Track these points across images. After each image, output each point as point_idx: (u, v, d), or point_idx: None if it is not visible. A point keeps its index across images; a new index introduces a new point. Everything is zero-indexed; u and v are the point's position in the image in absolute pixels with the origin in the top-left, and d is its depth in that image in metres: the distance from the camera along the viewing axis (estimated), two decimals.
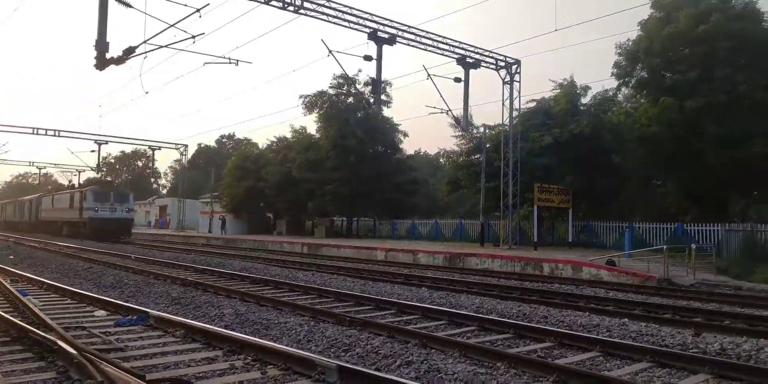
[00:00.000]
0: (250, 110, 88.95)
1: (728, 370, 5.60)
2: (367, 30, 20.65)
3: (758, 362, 6.05)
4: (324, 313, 8.51)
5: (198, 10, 15.51)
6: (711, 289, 13.02)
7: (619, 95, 29.12)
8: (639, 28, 24.85)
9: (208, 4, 15.57)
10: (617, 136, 25.84)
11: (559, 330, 7.39)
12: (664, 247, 14.52)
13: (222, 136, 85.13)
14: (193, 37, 16.07)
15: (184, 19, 15.68)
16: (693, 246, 14.66)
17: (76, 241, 31.28)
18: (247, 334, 6.89)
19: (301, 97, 36.72)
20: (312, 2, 19.31)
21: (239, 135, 79.01)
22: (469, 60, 23.59)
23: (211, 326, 7.18)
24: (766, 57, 21.58)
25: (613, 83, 26.74)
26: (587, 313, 9.26)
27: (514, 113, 25.07)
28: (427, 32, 22.31)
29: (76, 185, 45.85)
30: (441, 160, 46.52)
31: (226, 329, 7.15)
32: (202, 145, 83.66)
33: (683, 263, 14.93)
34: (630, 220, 25.06)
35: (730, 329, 7.93)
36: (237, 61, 19.66)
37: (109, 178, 62.38)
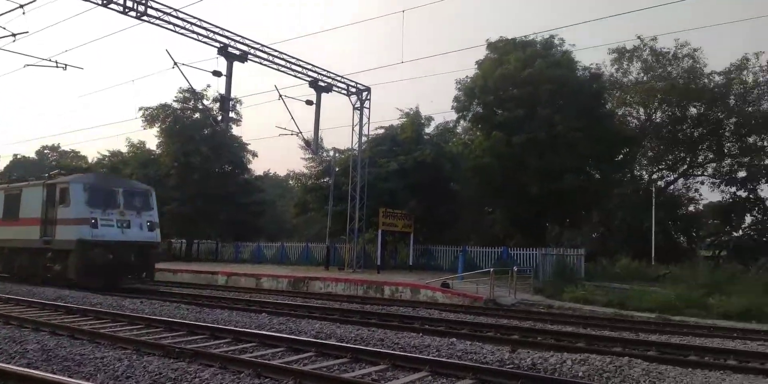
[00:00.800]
0: (79, 120, 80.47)
1: (537, 383, 6.18)
2: (218, 45, 20.06)
3: (561, 375, 6.77)
4: (150, 345, 7.86)
5: (22, 7, 13.93)
6: (528, 307, 14.42)
7: (459, 127, 31.56)
8: (476, 67, 27.34)
9: (35, 1, 14.06)
10: (456, 166, 27.83)
11: (394, 352, 7.61)
12: (491, 269, 15.79)
13: (44, 147, 76.01)
14: (14, 35, 14.39)
15: (3, 14, 13.96)
16: (515, 269, 16.17)
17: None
18: (55, 373, 6.11)
19: (141, 109, 34.25)
20: (156, 10, 18.32)
21: (65, 146, 71.22)
22: (321, 84, 23.93)
23: (8, 365, 6.24)
24: (579, 102, 24.94)
25: (454, 116, 28.92)
26: (421, 334, 9.68)
27: (364, 139, 25.88)
28: (281, 53, 22.29)
29: None
30: (290, 182, 46.20)
31: (28, 368, 6.27)
32: (19, 156, 73.91)
33: (507, 284, 16.34)
34: (465, 244, 26.93)
35: (540, 345, 8.81)
36: (66, 65, 17.97)
37: None
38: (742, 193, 33.90)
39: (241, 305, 13.94)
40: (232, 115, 33.37)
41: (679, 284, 16.02)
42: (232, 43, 20.43)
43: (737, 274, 16.33)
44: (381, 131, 29.60)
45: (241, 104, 34.51)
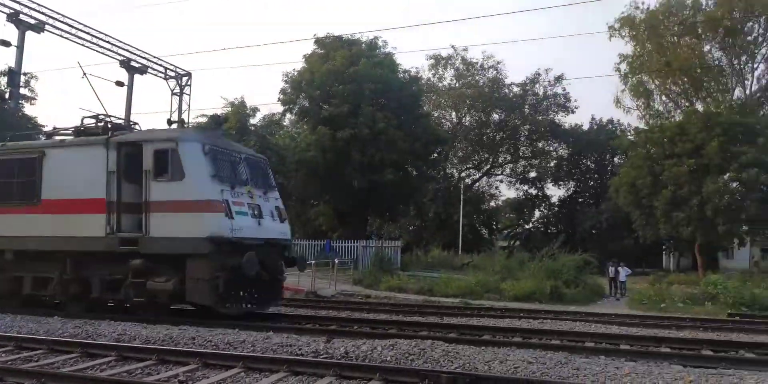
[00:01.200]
0: None
1: (348, 371, 6.39)
2: (7, 10, 17.39)
3: (371, 360, 7.09)
4: None
5: None
6: (347, 298, 14.92)
7: (285, 120, 31.28)
8: (304, 60, 27.34)
9: None
10: (282, 158, 27.54)
11: (205, 350, 7.31)
12: (313, 262, 15.98)
13: None
14: None
15: None
16: (336, 261, 16.58)
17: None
18: None
19: None
20: None
21: None
22: (134, 64, 22.02)
23: None
24: (399, 102, 26.32)
25: (281, 108, 28.60)
26: (237, 329, 9.40)
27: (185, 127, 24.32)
28: (86, 26, 20.05)
29: None
30: None
31: None
32: None
33: (329, 276, 16.68)
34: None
35: (355, 333, 9.15)
36: None
37: None
38: (533, 191, 39.03)
39: (29, 309, 12.22)
40: (24, 91, 29.14)
41: (480, 272, 17.79)
42: (26, 10, 17.87)
43: (525, 262, 18.48)
44: (203, 120, 28.14)
45: (36, 80, 30.32)
